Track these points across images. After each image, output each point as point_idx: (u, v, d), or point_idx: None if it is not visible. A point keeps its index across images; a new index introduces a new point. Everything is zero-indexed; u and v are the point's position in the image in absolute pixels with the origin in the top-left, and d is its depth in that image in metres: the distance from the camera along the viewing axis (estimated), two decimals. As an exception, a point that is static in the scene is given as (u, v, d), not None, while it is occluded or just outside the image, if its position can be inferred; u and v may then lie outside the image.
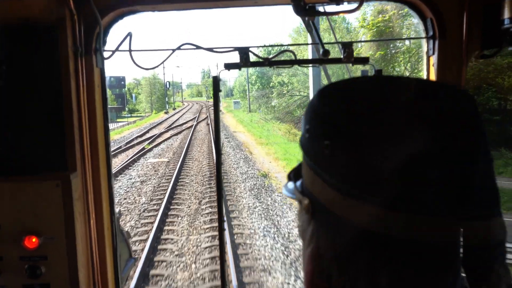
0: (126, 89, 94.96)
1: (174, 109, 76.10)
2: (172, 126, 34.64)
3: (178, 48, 1.83)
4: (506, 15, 1.51)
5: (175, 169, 14.85)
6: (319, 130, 0.62)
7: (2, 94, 1.61)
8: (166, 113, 61.00)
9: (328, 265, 0.62)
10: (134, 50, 1.77)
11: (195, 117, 44.52)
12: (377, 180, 0.54)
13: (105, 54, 1.78)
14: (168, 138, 25.81)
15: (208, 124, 34.16)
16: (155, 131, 30.65)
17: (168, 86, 71.56)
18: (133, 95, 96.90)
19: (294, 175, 0.74)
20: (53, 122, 1.64)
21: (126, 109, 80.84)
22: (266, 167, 15.82)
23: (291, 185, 0.74)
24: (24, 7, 1.58)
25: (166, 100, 70.97)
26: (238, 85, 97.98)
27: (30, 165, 1.64)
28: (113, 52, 1.79)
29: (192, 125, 33.94)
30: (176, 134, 28.07)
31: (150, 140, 24.39)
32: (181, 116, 50.02)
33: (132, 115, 76.73)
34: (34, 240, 1.58)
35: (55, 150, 1.65)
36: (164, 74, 72.58)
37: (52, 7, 1.59)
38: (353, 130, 0.57)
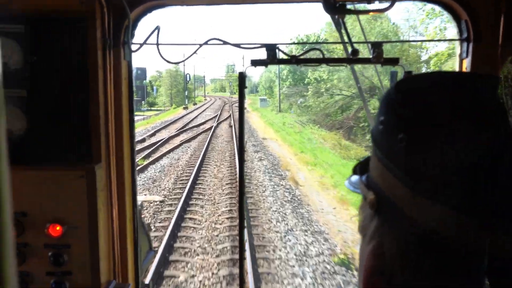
0: (147, 81, 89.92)
1: (194, 104, 69.79)
2: (186, 128, 27.80)
3: (205, 43, 1.83)
4: None
5: (167, 225, 7.99)
6: (394, 122, 0.59)
7: (31, 85, 1.62)
8: (185, 108, 54.55)
9: (390, 264, 0.59)
10: (161, 44, 1.80)
11: (216, 116, 37.62)
12: (452, 181, 0.51)
13: (133, 47, 1.81)
14: (177, 147, 18.98)
15: (231, 127, 27.18)
16: (163, 134, 23.84)
17: (188, 79, 65.01)
18: (155, 87, 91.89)
19: (359, 168, 0.70)
20: (80, 113, 1.65)
21: (143, 102, 75.14)
22: (334, 226, 8.71)
23: (355, 178, 0.71)
24: None
25: (186, 94, 64.51)
26: (264, 80, 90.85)
27: (56, 155, 1.66)
28: (141, 45, 1.81)
29: (211, 127, 27.09)
30: (189, 141, 21.23)
31: (151, 149, 17.66)
32: (200, 114, 43.30)
33: (151, 108, 71.31)
34: (58, 228, 1.60)
35: (81, 141, 1.67)
36: (184, 65, 66.13)
37: None
38: (430, 125, 0.55)
